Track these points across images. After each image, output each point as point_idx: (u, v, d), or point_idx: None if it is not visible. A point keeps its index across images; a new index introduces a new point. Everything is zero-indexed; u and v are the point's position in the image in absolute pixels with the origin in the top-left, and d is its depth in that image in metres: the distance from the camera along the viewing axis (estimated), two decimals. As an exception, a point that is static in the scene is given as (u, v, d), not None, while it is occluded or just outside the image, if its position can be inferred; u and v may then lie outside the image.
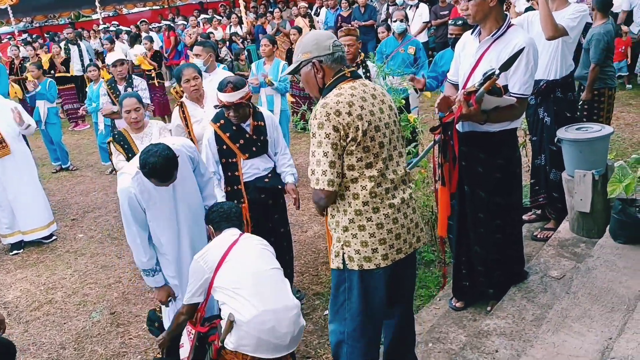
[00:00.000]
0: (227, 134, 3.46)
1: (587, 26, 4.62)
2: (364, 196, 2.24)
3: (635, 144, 5.87)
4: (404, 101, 4.46)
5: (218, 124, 3.48)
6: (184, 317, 2.93)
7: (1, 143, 5.10)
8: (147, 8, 20.72)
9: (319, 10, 12.51)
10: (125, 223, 3.02)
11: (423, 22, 9.80)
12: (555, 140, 3.65)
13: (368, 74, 4.86)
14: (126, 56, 9.70)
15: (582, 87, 4.79)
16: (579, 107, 4.65)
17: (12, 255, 5.36)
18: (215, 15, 14.69)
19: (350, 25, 8.81)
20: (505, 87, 2.83)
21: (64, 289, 4.60)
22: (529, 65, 2.80)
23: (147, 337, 3.70)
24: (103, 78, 6.96)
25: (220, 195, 3.48)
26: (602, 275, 3.01)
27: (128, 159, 3.73)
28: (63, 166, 8.14)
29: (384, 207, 2.27)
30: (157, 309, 3.44)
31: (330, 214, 2.37)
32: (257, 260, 2.79)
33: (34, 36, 16.34)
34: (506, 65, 2.66)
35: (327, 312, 3.42)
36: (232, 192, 3.52)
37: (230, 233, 2.91)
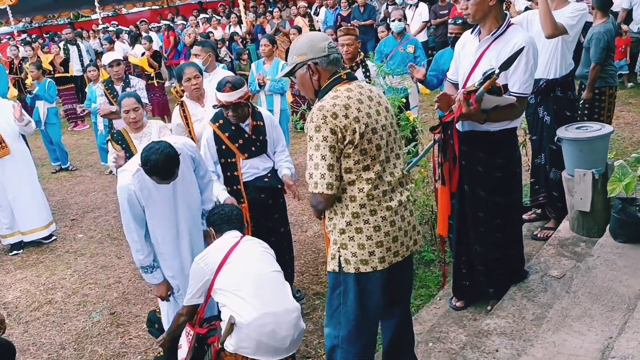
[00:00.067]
0: (226, 134, 3.45)
1: (587, 25, 4.61)
2: (361, 199, 2.23)
3: (635, 143, 5.87)
4: (404, 100, 4.46)
5: (217, 124, 3.48)
6: (183, 318, 2.93)
7: (1, 143, 5.10)
8: (147, 8, 20.73)
9: (318, 9, 12.52)
10: (124, 220, 3.03)
11: (422, 22, 9.79)
12: (555, 139, 3.65)
13: (368, 74, 4.86)
14: (126, 58, 9.71)
15: (583, 86, 4.79)
16: (580, 106, 4.64)
17: (12, 255, 5.36)
18: (214, 15, 14.68)
19: (349, 24, 8.81)
20: (505, 86, 2.83)
21: (64, 289, 4.60)
22: (529, 64, 2.79)
23: (147, 338, 3.70)
24: (102, 77, 6.96)
25: (220, 189, 3.47)
26: (603, 274, 3.01)
27: (126, 159, 3.72)
28: (62, 166, 8.14)
29: (381, 210, 2.25)
30: (157, 310, 3.44)
31: (328, 217, 2.35)
32: (258, 263, 2.79)
33: (33, 36, 16.34)
34: (506, 65, 2.65)
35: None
36: (231, 192, 3.51)
37: (232, 235, 2.91)
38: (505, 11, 2.97)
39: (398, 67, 5.49)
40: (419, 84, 5.67)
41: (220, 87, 3.33)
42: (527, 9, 7.40)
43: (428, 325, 3.29)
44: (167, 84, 10.88)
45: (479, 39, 2.97)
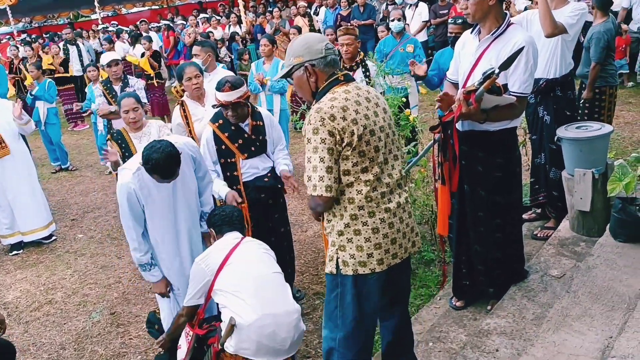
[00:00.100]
0: (226, 134, 3.45)
1: (587, 25, 4.62)
2: (360, 200, 2.21)
3: (635, 142, 5.87)
4: (404, 100, 4.45)
5: (217, 124, 3.48)
6: (183, 318, 2.94)
7: (1, 143, 5.10)
8: (146, 8, 20.72)
9: (318, 9, 12.51)
10: (123, 218, 3.03)
11: (422, 21, 9.79)
12: (555, 139, 3.65)
13: (368, 73, 4.85)
14: (124, 58, 9.69)
15: (583, 86, 4.79)
16: (581, 105, 4.64)
17: (12, 255, 5.36)
18: (214, 15, 14.68)
19: (349, 24, 8.80)
20: (505, 86, 2.83)
21: (64, 290, 4.60)
22: (529, 64, 2.79)
23: (147, 338, 3.70)
24: (102, 77, 6.94)
25: (221, 184, 3.47)
26: (603, 274, 3.00)
27: (124, 158, 3.73)
28: (62, 166, 8.13)
29: (379, 212, 2.24)
30: (157, 311, 3.44)
31: (326, 219, 2.33)
32: (258, 264, 2.79)
33: (33, 36, 16.34)
34: (506, 64, 2.65)
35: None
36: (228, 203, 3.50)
37: (232, 237, 2.91)
38: (505, 11, 2.97)
39: (398, 66, 5.48)
40: (419, 84, 5.67)
41: (220, 87, 3.33)
42: (527, 8, 7.40)
43: (428, 325, 3.29)
44: (167, 83, 10.87)
45: (478, 38, 2.97)
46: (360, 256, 2.25)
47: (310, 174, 2.18)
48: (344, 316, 2.34)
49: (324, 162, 2.15)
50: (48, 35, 16.06)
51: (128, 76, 6.28)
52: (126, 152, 3.84)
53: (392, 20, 6.28)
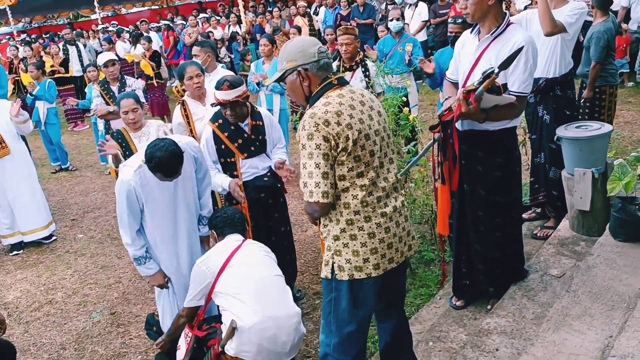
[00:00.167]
0: (226, 134, 3.45)
1: (587, 24, 4.61)
2: (356, 205, 2.19)
3: (635, 142, 5.87)
4: (404, 99, 4.45)
5: (216, 124, 3.48)
6: (183, 319, 2.94)
7: (1, 143, 5.09)
8: (146, 8, 20.74)
9: (318, 9, 12.51)
10: (119, 212, 3.02)
11: (422, 21, 9.79)
12: (555, 138, 3.65)
13: (367, 73, 4.85)
14: (121, 58, 9.68)
15: (583, 85, 4.79)
16: (581, 105, 4.64)
17: (12, 255, 5.36)
18: (214, 15, 14.68)
19: (349, 24, 8.80)
20: (505, 85, 2.83)
21: (64, 290, 4.60)
22: (528, 63, 2.79)
23: (147, 338, 3.70)
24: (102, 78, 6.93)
25: (223, 177, 3.46)
26: (602, 273, 3.00)
27: (125, 158, 3.73)
28: (62, 166, 8.13)
29: (375, 216, 2.22)
30: (156, 313, 3.44)
31: (323, 224, 2.32)
32: (259, 267, 2.79)
33: (33, 36, 16.34)
34: (505, 64, 2.65)
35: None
36: (231, 192, 3.51)
37: (233, 239, 2.92)
38: (505, 10, 2.98)
39: (397, 66, 5.49)
40: (418, 83, 5.67)
41: (219, 86, 3.33)
42: (527, 8, 7.40)
43: (428, 324, 3.29)
44: (167, 84, 10.87)
45: (478, 38, 2.97)
46: (357, 261, 2.22)
47: (306, 180, 2.15)
48: (338, 322, 2.32)
49: (319, 168, 2.12)
50: (48, 35, 16.07)
51: (125, 76, 6.25)
52: (127, 152, 3.83)
53: (391, 20, 6.29)
